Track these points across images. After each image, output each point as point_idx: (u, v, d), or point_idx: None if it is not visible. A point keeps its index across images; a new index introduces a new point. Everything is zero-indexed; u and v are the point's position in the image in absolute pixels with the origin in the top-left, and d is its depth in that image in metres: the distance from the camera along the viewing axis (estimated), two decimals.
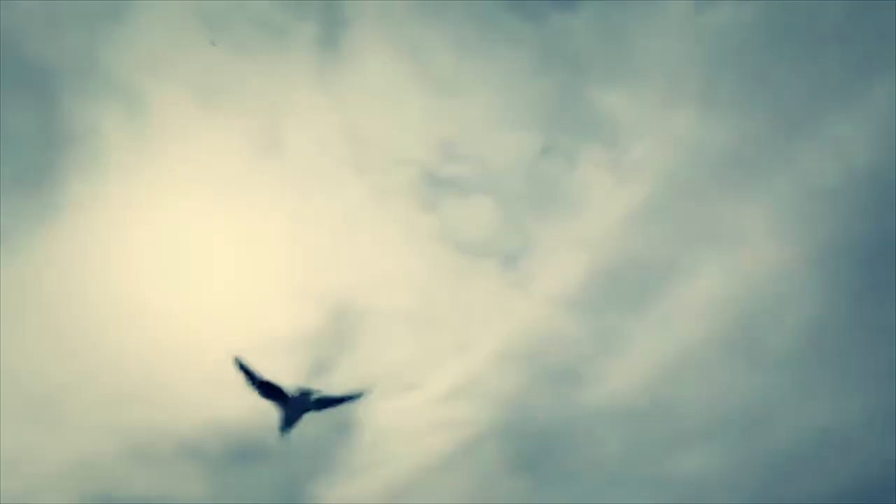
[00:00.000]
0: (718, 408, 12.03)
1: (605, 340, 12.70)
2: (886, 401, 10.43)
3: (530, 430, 12.86)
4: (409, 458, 16.13)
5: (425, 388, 13.35)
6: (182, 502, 12.50)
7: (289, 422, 8.30)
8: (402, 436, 15.36)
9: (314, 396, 8.35)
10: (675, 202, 12.62)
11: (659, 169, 12.73)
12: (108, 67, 13.21)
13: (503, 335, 12.62)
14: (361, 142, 12.97)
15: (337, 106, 13.02)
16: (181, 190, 13.13)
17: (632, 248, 12.85)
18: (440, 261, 12.76)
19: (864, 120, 11.54)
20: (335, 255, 12.88)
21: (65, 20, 13.12)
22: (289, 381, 8.32)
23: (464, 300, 12.84)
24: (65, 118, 13.56)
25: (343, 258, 12.84)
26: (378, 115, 13.20)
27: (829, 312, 11.58)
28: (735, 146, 12.41)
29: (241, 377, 8.13)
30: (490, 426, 12.84)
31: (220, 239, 13.16)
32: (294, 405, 8.29)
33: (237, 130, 13.10)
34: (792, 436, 11.36)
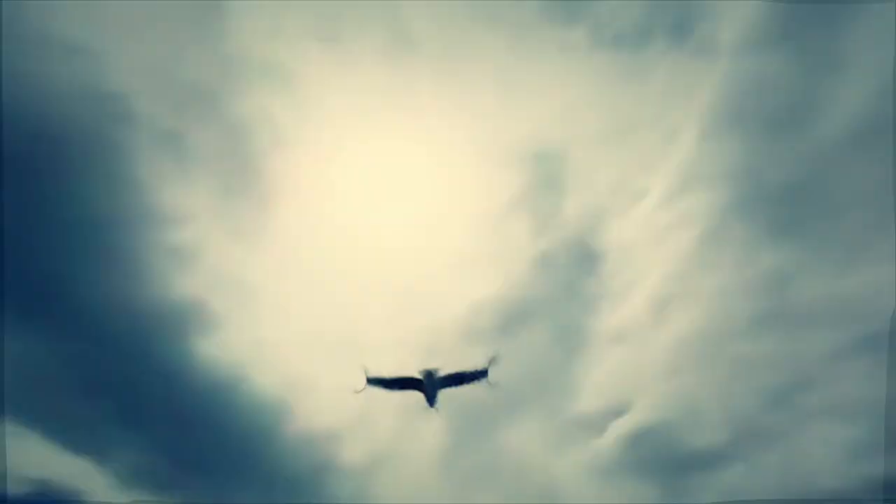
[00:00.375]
0: None
1: (816, 64, 11.44)
2: None
3: (772, 190, 12.20)
4: (660, 266, 16.37)
5: (651, 193, 13.26)
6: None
7: (431, 397, 9.62)
8: (645, 247, 15.62)
9: (440, 373, 9.54)
10: None
11: None
12: (240, 59, 14.50)
13: (705, 108, 11.92)
14: None
15: None
16: (360, 122, 14.27)
17: None
18: (605, 70, 12.30)
19: None
20: (512, 113, 13.05)
21: (189, 39, 14.59)
22: (414, 369, 9.56)
23: (648, 92, 12.31)
24: (237, 115, 15.23)
25: (519, 112, 12.97)
26: None
27: None
28: None
29: (375, 388, 9.48)
30: (729, 203, 12.41)
31: (414, 146, 14.17)
32: (427, 384, 9.58)
33: (371, 49, 13.68)
34: None
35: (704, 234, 12.75)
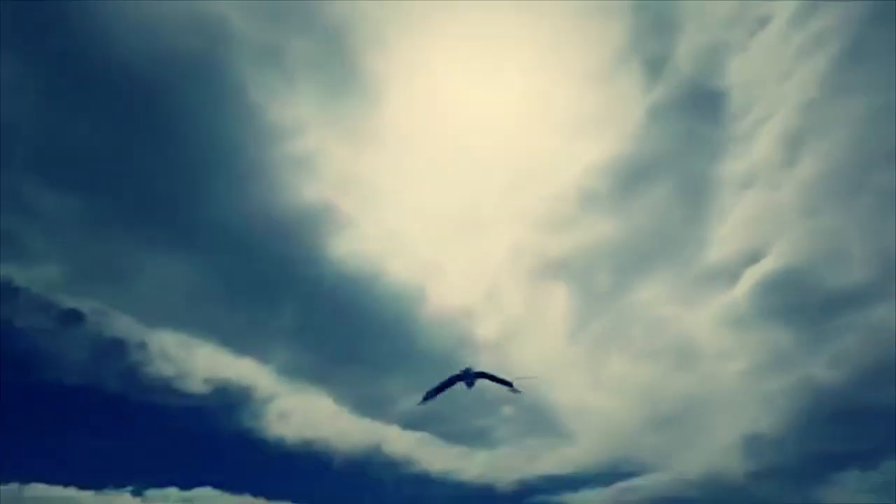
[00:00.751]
0: None
1: None
2: None
3: None
4: (790, 98, 15.08)
5: (775, 18, 11.99)
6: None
7: (469, 384, 12.21)
8: (771, 80, 14.32)
9: (473, 370, 12.08)
10: None
11: None
12: None
13: None
14: None
15: None
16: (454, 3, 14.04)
17: None
18: None
19: None
20: None
21: None
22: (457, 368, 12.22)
23: None
24: (332, 19, 15.46)
25: None
26: None
27: None
28: None
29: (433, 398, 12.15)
30: (870, 13, 11.13)
31: (511, 15, 13.83)
32: (465, 379, 12.07)
33: None
34: None
35: (841, 55, 11.57)
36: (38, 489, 23.64)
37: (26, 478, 23.60)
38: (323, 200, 26.32)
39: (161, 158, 25.53)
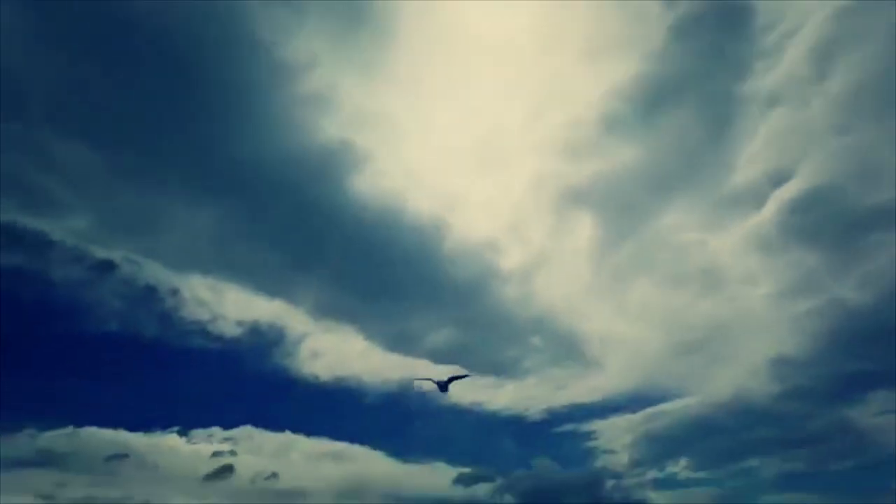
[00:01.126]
0: None
1: None
2: None
3: None
4: (822, 8, 14.37)
5: None
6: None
7: (444, 389, 17.24)
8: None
9: (445, 379, 17.12)
10: None
11: None
12: None
13: None
14: None
15: None
16: None
17: None
18: None
19: None
20: None
21: None
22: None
23: None
24: None
25: None
26: None
27: None
28: None
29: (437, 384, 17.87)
30: None
31: None
32: (440, 386, 17.16)
33: None
34: None
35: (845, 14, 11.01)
36: (92, 432, 25.12)
37: (80, 421, 25.08)
38: (340, 138, 26.18)
39: (180, 104, 25.51)
